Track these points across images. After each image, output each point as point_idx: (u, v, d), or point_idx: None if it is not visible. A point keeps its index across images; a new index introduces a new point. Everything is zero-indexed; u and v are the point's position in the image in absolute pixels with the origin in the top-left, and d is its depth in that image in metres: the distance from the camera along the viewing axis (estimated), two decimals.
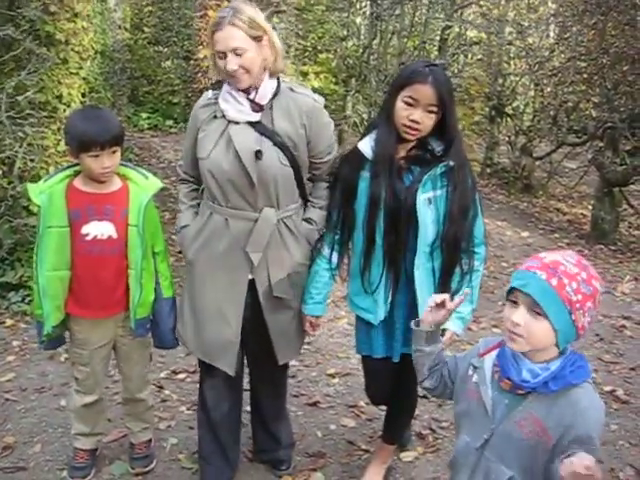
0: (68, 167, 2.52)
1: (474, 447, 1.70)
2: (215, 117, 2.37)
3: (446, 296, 1.86)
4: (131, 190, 2.51)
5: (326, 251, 2.46)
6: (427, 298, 2.31)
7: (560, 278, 1.54)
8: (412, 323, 1.90)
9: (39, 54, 4.29)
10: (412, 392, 2.69)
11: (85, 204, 2.45)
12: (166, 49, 10.53)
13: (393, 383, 2.60)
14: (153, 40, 10.59)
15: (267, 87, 2.34)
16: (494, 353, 1.72)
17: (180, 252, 5.33)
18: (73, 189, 2.46)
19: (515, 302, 1.60)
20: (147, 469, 2.83)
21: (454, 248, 2.32)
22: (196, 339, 2.53)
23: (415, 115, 2.21)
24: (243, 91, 2.32)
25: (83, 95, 5.15)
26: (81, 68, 5.11)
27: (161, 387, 3.52)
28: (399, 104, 2.24)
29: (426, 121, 2.23)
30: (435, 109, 2.21)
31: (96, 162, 2.38)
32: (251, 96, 2.33)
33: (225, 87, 2.37)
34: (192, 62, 6.90)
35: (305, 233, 2.49)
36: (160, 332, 2.67)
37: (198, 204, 2.56)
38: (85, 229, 2.45)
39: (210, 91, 2.45)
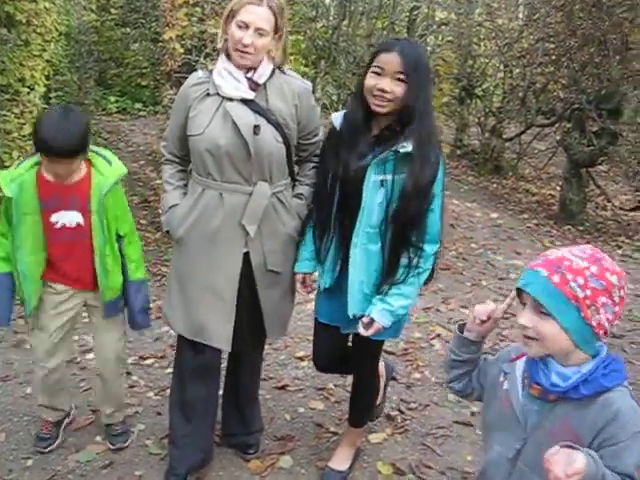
0: (32, 154, 2.59)
1: (506, 457, 1.63)
2: (208, 95, 2.41)
3: (492, 307, 1.73)
4: (93, 178, 2.56)
5: (312, 214, 2.52)
6: (364, 279, 2.34)
7: (563, 274, 1.47)
8: (456, 328, 1.79)
9: None
10: (368, 374, 2.71)
11: (52, 194, 2.52)
12: (134, 31, 10.35)
13: (338, 354, 2.63)
14: (120, 22, 10.40)
15: (265, 68, 2.40)
16: (524, 358, 1.64)
17: (150, 234, 5.31)
18: (41, 178, 2.52)
19: (522, 303, 1.54)
20: (126, 444, 2.89)
21: (401, 230, 2.28)
22: (185, 319, 2.53)
23: (383, 83, 2.20)
24: (241, 69, 2.35)
25: (47, 78, 5.07)
26: (44, 50, 5.01)
27: (129, 373, 3.47)
28: (368, 76, 2.24)
29: (395, 90, 2.20)
30: (403, 77, 2.19)
31: (51, 167, 2.47)
32: (249, 74, 2.37)
33: (221, 63, 2.40)
34: (160, 44, 6.79)
35: (296, 208, 2.54)
36: (130, 314, 2.76)
37: (185, 184, 2.58)
38: (54, 217, 2.54)
39: (200, 71, 2.51)
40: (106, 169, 2.58)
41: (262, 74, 2.38)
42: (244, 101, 2.37)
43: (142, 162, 7.30)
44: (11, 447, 2.84)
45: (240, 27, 2.29)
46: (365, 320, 2.33)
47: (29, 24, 4.54)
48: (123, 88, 10.30)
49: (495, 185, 8.10)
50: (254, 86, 2.37)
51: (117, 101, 10.01)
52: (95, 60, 9.23)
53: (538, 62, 7.22)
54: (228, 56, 2.40)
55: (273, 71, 2.42)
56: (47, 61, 5.24)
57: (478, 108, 9.07)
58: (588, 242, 6.32)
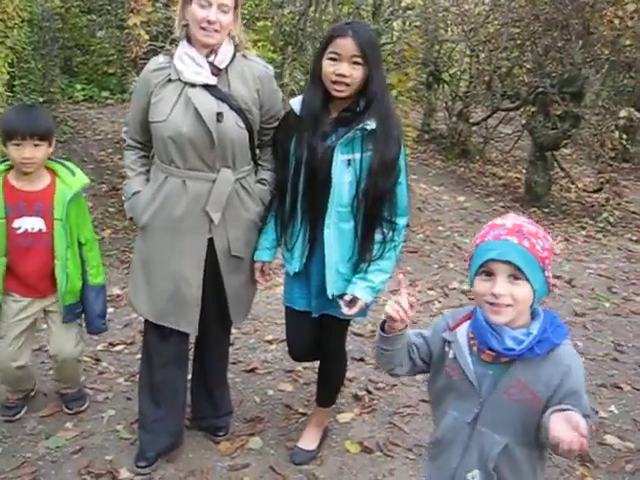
0: (2, 161, 2.70)
1: (465, 421, 1.68)
2: (170, 80, 2.41)
3: (404, 303, 1.67)
4: (57, 186, 2.69)
5: (274, 203, 2.56)
6: (338, 258, 2.39)
7: (529, 239, 1.55)
8: (378, 326, 1.76)
9: None
10: (337, 355, 2.77)
11: (17, 200, 2.64)
12: (99, 18, 10.22)
13: (313, 340, 2.67)
14: (86, 9, 10.25)
15: (226, 52, 2.40)
16: (466, 325, 1.69)
17: (118, 222, 5.30)
18: (7, 184, 2.64)
19: (488, 274, 1.57)
20: (83, 408, 3.04)
21: (373, 206, 2.35)
22: (150, 304, 2.56)
23: (341, 69, 2.25)
24: (203, 54, 2.36)
25: (11, 65, 5.01)
26: (7, 37, 4.96)
27: (98, 359, 3.51)
28: (325, 62, 2.29)
29: (353, 73, 2.26)
30: (359, 60, 2.25)
31: (18, 151, 2.55)
32: (210, 59, 2.37)
33: (181, 48, 2.41)
34: (125, 31, 6.73)
35: (259, 193, 2.57)
36: (88, 318, 2.88)
37: (147, 170, 2.59)
38: (17, 223, 2.65)
39: (160, 55, 2.52)
40: (70, 179, 2.70)
41: (223, 59, 2.39)
42: (206, 87, 2.38)
43: (110, 150, 7.25)
44: None
45: (203, 6, 2.30)
46: (347, 298, 2.39)
47: None
48: (89, 76, 10.16)
49: (462, 169, 8.18)
50: (216, 71, 2.38)
51: (84, 89, 9.88)
52: (60, 47, 9.10)
53: (503, 47, 7.30)
54: (189, 41, 2.40)
55: (234, 56, 2.43)
56: (10, 48, 5.17)
57: (445, 93, 9.14)
58: (553, 224, 6.44)
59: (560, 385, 1.57)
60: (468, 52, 8.67)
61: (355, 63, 2.25)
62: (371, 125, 2.28)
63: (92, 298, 2.83)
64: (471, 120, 8.67)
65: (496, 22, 7.73)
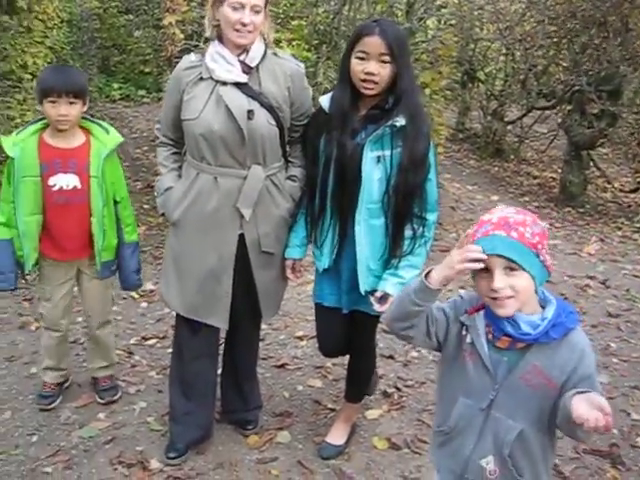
0: (38, 120, 2.80)
1: (479, 408, 1.69)
2: (201, 79, 2.44)
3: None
4: (93, 144, 2.78)
5: (304, 201, 2.57)
6: (369, 254, 2.39)
7: (516, 229, 1.56)
8: (423, 275, 1.69)
9: (0, 22, 4.24)
10: (367, 351, 2.77)
11: (52, 158, 2.72)
12: (136, 18, 10.36)
13: (343, 337, 2.67)
14: (123, 9, 10.41)
15: (257, 50, 2.43)
16: (481, 313, 1.69)
17: (152, 218, 5.37)
18: (42, 142, 2.73)
19: (485, 271, 1.58)
20: (115, 398, 3.11)
21: (403, 202, 2.36)
22: (182, 298, 2.60)
23: (370, 67, 2.26)
24: (234, 53, 2.39)
25: (50, 64, 5.10)
26: (46, 37, 5.07)
27: (131, 353, 3.57)
28: (353, 61, 2.30)
29: (382, 72, 2.27)
30: (387, 58, 2.26)
31: (53, 109, 2.65)
32: (241, 57, 2.40)
33: (213, 47, 2.43)
34: (161, 30, 6.82)
35: (289, 190, 2.59)
36: (124, 274, 2.96)
37: (179, 167, 2.62)
38: (52, 180, 2.72)
39: (192, 54, 2.54)
40: (104, 137, 2.79)
41: (254, 57, 2.42)
42: (237, 85, 2.40)
43: (145, 148, 7.36)
44: (16, 424, 2.93)
45: (236, 9, 2.32)
46: (378, 295, 2.41)
47: (31, 11, 4.60)
48: (126, 75, 10.31)
49: (497, 168, 8.11)
50: (247, 69, 2.41)
51: (120, 88, 10.03)
52: (98, 47, 9.27)
53: (539, 44, 7.22)
54: (220, 41, 2.43)
55: (265, 53, 2.45)
56: (49, 48, 5.29)
57: (480, 92, 9.07)
58: (588, 224, 6.35)
59: (575, 370, 1.59)
60: (504, 50, 8.59)
61: (383, 61, 2.26)
62: (400, 122, 2.29)
63: (128, 255, 2.91)
64: (506, 119, 8.59)
65: (532, 20, 7.65)
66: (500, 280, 1.56)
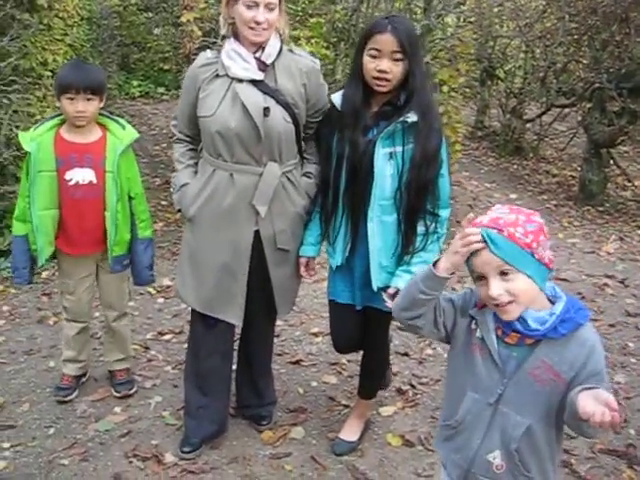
0: (55, 116, 2.84)
1: (487, 402, 1.68)
2: (217, 76, 2.45)
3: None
4: (108, 140, 2.82)
5: (318, 199, 2.58)
6: (381, 251, 2.39)
7: (506, 229, 1.55)
8: (431, 266, 1.68)
9: (21, 20, 4.28)
10: (380, 347, 2.78)
11: (68, 152, 2.76)
12: (156, 15, 10.42)
13: (357, 333, 2.68)
14: (143, 6, 10.47)
15: (273, 47, 2.43)
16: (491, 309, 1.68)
17: (170, 215, 5.40)
18: (59, 137, 2.77)
19: (483, 278, 1.58)
20: (131, 392, 3.14)
21: (415, 198, 2.36)
22: (197, 294, 2.61)
23: (382, 65, 2.26)
24: (250, 50, 2.40)
25: (68, 61, 5.15)
26: (66, 34, 5.11)
27: (147, 348, 3.60)
28: (366, 59, 2.30)
29: (394, 69, 2.27)
30: (400, 56, 2.26)
31: (71, 105, 2.69)
32: (257, 54, 2.41)
33: (229, 45, 2.44)
34: (180, 28, 6.85)
35: (305, 186, 2.59)
36: (137, 270, 3.01)
37: (195, 163, 2.64)
38: (68, 175, 2.77)
39: (208, 51, 2.55)
40: (120, 132, 2.82)
41: (270, 53, 2.42)
42: (253, 82, 2.41)
43: (164, 145, 7.40)
44: (34, 416, 2.96)
45: (250, 7, 2.32)
46: (391, 291, 2.41)
47: (51, 8, 4.64)
48: (146, 72, 10.37)
49: (515, 166, 8.06)
50: (263, 66, 2.41)
51: (140, 85, 10.10)
52: (118, 45, 9.31)
53: (559, 42, 7.15)
54: (236, 38, 2.44)
55: (281, 50, 2.45)
56: (69, 45, 5.34)
57: (499, 89, 9.01)
58: (607, 222, 6.29)
59: (584, 366, 1.58)
60: (523, 48, 8.53)
61: (395, 59, 2.27)
62: (412, 118, 2.29)
63: (141, 250, 2.94)
64: (525, 117, 8.53)
65: (552, 16, 7.58)
66: (496, 287, 1.55)
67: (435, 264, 1.67)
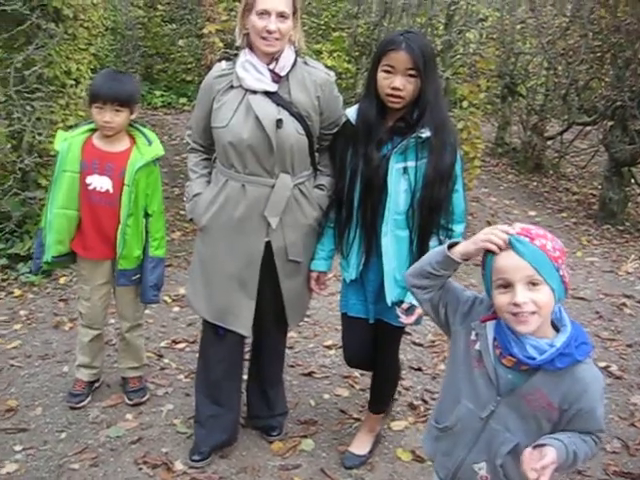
0: (91, 121, 2.89)
1: (479, 416, 1.69)
2: (231, 87, 2.46)
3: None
4: (132, 153, 2.85)
5: (331, 213, 2.58)
6: (395, 265, 2.39)
7: (539, 239, 1.55)
8: (446, 244, 1.71)
9: (47, 29, 4.34)
10: (392, 362, 2.76)
11: (92, 158, 2.83)
12: (180, 27, 10.54)
13: (368, 346, 2.66)
14: (167, 18, 10.60)
15: (287, 59, 2.44)
16: (493, 323, 1.67)
17: (188, 224, 5.43)
18: (89, 143, 2.85)
19: (504, 287, 1.56)
20: (143, 400, 3.15)
21: (429, 215, 2.36)
22: (208, 303, 2.62)
23: (396, 82, 2.27)
24: (264, 61, 2.41)
25: (93, 71, 5.21)
26: (90, 44, 5.17)
27: (161, 356, 3.61)
28: (380, 75, 2.31)
29: (408, 86, 2.28)
30: (414, 72, 2.27)
31: (99, 114, 2.76)
32: (271, 66, 2.41)
33: (243, 56, 2.45)
34: (202, 40, 6.93)
35: (317, 199, 2.60)
36: (143, 287, 2.97)
37: (209, 173, 2.65)
38: (88, 179, 2.83)
39: (223, 62, 2.56)
40: (144, 148, 2.84)
41: (284, 65, 2.43)
42: (267, 94, 2.42)
43: (184, 155, 7.41)
44: (47, 420, 2.99)
45: (262, 17, 2.34)
46: (405, 306, 2.41)
47: (76, 19, 4.68)
48: (168, 83, 10.48)
49: (535, 183, 8.02)
50: (276, 78, 2.42)
51: (162, 96, 10.20)
52: (141, 55, 9.45)
53: (581, 59, 7.12)
54: (250, 49, 2.45)
55: (295, 62, 2.46)
56: (93, 55, 5.41)
57: (520, 106, 8.98)
58: (627, 242, 6.23)
59: (576, 401, 1.60)
60: (545, 65, 8.50)
61: (410, 75, 2.27)
62: (426, 133, 2.30)
63: (149, 269, 2.93)
64: (546, 134, 8.49)
65: (575, 34, 7.55)
66: (523, 294, 1.53)
67: (453, 246, 1.68)
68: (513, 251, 1.54)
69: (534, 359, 1.57)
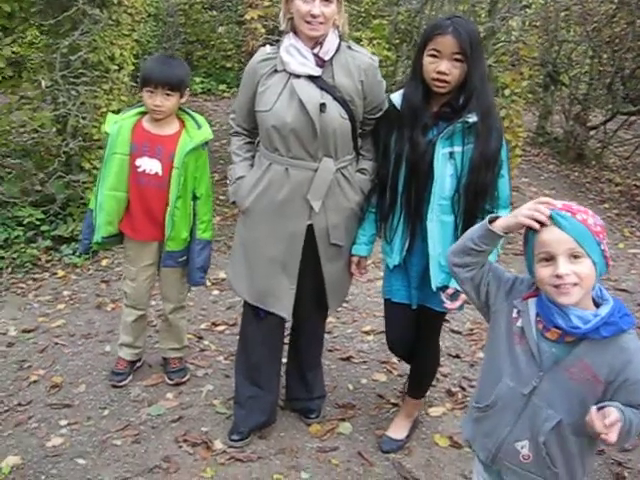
0: (142, 104, 2.92)
1: (521, 392, 1.69)
2: (275, 71, 2.46)
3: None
4: (182, 136, 2.87)
5: (373, 197, 2.58)
6: (440, 250, 2.39)
7: (581, 214, 1.56)
8: (487, 218, 1.73)
9: (92, 15, 4.40)
10: (432, 349, 2.77)
11: (142, 140, 2.87)
12: (220, 14, 10.60)
13: (411, 332, 2.66)
14: (208, 5, 10.66)
15: (331, 43, 2.44)
16: (535, 300, 1.69)
17: (228, 209, 5.48)
18: (139, 125, 2.88)
19: (546, 260, 1.58)
20: (183, 380, 3.20)
21: (474, 201, 2.35)
22: (249, 285, 2.65)
23: (442, 66, 2.25)
24: (309, 46, 2.41)
25: (136, 57, 5.28)
26: (133, 30, 5.22)
27: (201, 337, 3.66)
28: (426, 59, 2.29)
29: (453, 71, 2.27)
30: (460, 57, 2.25)
31: (150, 98, 2.79)
32: (315, 50, 2.42)
33: (287, 40, 2.45)
34: (243, 26, 6.95)
35: (359, 183, 2.60)
36: (189, 269, 3.00)
37: (252, 156, 2.67)
38: (138, 161, 2.87)
39: (267, 46, 2.56)
40: (194, 132, 2.86)
41: (328, 50, 2.43)
42: (311, 78, 2.42)
43: (224, 141, 7.49)
44: (90, 397, 3.06)
45: (306, 0, 2.34)
46: (450, 291, 2.40)
47: (120, 5, 4.73)
48: (208, 70, 10.54)
49: (577, 174, 7.88)
50: (321, 62, 2.42)
51: (202, 82, 10.26)
52: (182, 42, 9.51)
53: (628, 47, 6.97)
54: (295, 33, 2.45)
55: (339, 46, 2.46)
56: (136, 41, 5.46)
57: (563, 95, 8.83)
58: None
59: (622, 371, 1.59)
60: (590, 53, 8.34)
61: (456, 60, 2.25)
62: (472, 118, 2.28)
63: (196, 251, 2.96)
64: (589, 124, 8.34)
65: (622, 21, 7.39)
66: (565, 266, 1.55)
67: (494, 220, 1.70)
68: (555, 225, 1.56)
69: (579, 328, 1.58)
